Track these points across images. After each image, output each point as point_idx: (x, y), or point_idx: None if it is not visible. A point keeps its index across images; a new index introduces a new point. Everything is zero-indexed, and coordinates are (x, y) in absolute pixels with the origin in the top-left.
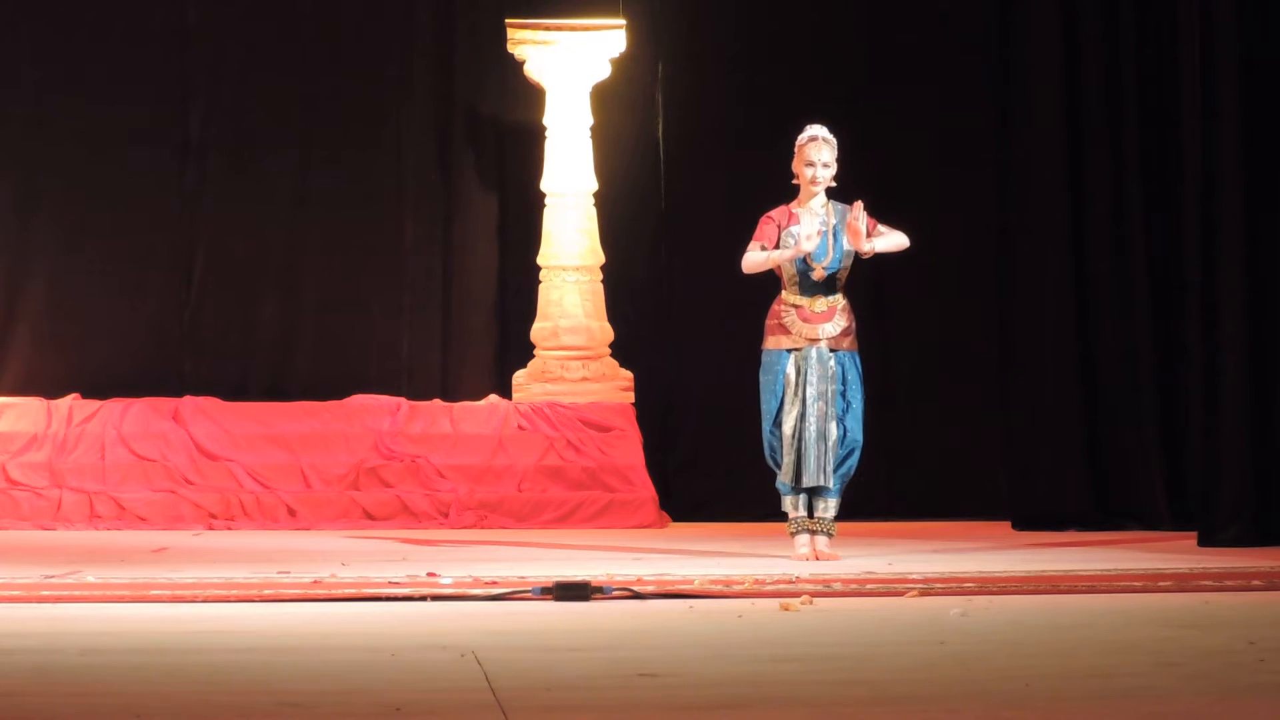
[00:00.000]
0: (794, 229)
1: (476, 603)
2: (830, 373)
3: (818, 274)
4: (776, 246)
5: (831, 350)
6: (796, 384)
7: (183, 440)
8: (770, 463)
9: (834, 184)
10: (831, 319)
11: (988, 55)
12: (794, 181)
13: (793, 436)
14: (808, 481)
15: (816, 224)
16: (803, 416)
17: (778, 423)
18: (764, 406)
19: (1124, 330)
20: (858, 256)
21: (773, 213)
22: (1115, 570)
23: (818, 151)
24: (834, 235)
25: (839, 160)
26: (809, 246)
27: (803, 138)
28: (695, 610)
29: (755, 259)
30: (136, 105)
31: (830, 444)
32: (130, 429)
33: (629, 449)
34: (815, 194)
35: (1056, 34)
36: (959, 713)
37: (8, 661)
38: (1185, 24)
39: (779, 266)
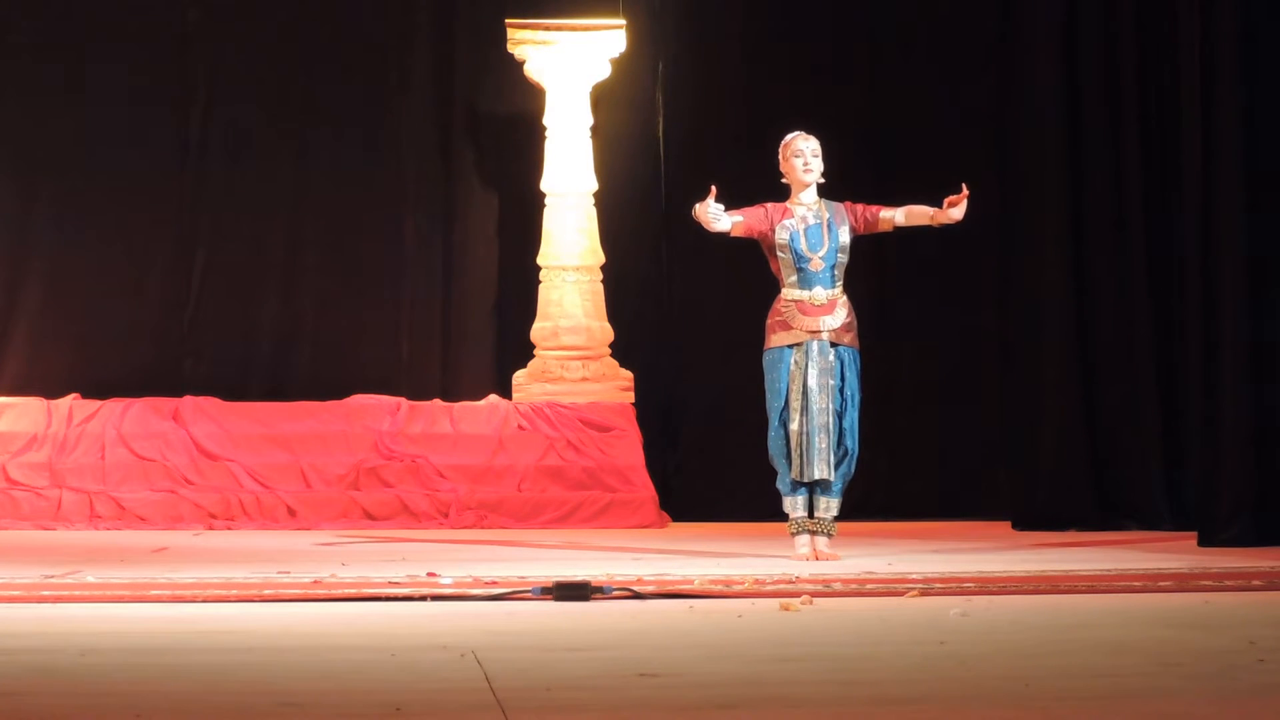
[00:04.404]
0: (787, 222)
1: (476, 603)
2: (830, 366)
3: (815, 264)
4: (755, 235)
5: (832, 344)
6: (800, 379)
7: (183, 440)
8: (773, 463)
9: (823, 180)
10: (832, 311)
11: (988, 55)
12: (783, 180)
13: (799, 434)
14: (812, 475)
15: (810, 216)
16: (805, 410)
17: (783, 422)
18: (769, 406)
19: (1124, 330)
20: (854, 251)
21: (769, 204)
22: (1115, 570)
23: (806, 142)
24: (828, 227)
25: (825, 161)
26: (716, 225)
27: (787, 137)
28: (695, 610)
29: (707, 213)
30: (136, 105)
31: (832, 437)
32: (130, 429)
33: (629, 449)
34: (807, 184)
35: (1057, 34)
36: (959, 713)
37: (8, 661)
38: (1185, 22)
39: (777, 267)
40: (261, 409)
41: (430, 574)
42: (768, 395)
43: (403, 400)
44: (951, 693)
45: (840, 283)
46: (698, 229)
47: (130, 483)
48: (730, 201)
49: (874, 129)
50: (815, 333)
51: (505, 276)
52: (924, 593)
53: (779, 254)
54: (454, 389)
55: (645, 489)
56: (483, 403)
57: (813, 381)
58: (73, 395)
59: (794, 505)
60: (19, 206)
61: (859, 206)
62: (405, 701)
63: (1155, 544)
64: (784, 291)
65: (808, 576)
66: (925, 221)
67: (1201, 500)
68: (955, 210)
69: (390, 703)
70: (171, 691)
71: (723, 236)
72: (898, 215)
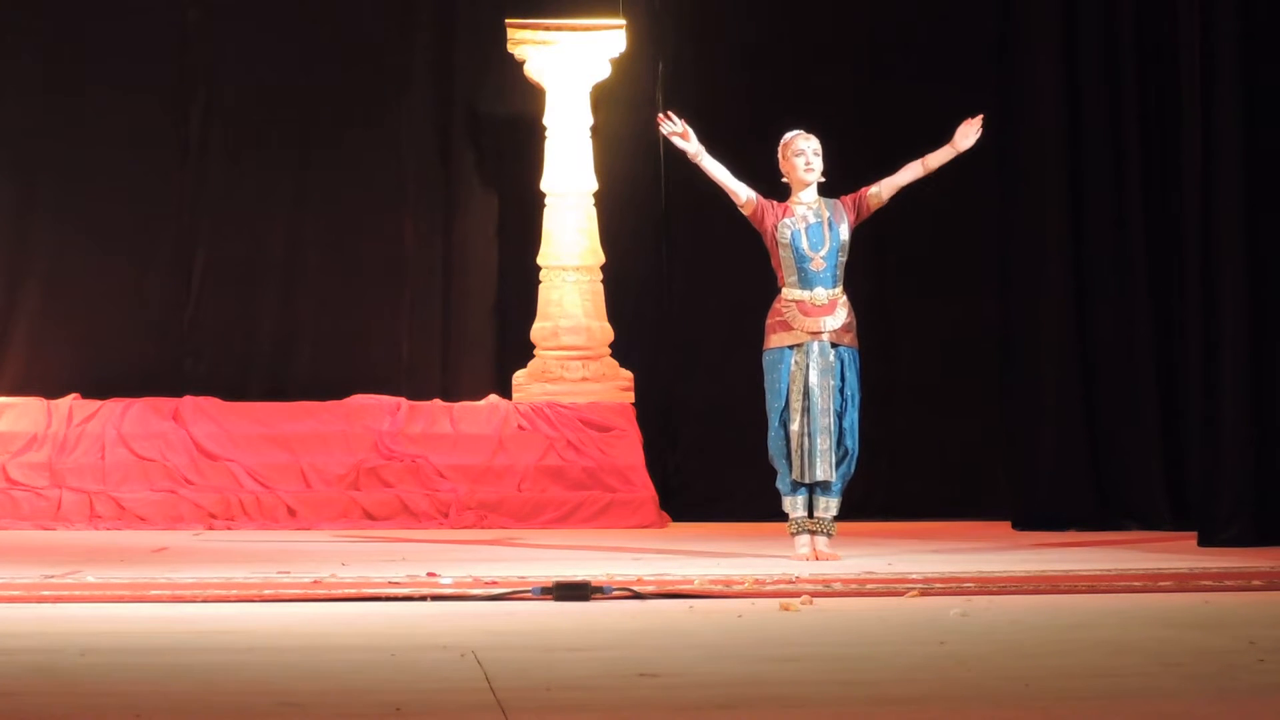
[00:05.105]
0: (788, 220)
1: (476, 603)
2: (830, 366)
3: (816, 264)
4: (758, 224)
5: (832, 345)
6: (800, 380)
7: (183, 440)
8: (773, 463)
9: (823, 179)
10: (833, 312)
11: (989, 54)
12: (784, 180)
13: (799, 435)
14: (813, 476)
15: (811, 215)
16: (807, 411)
17: (783, 422)
18: (769, 407)
19: (1124, 330)
20: (853, 250)
21: (773, 200)
22: (1115, 570)
23: (806, 141)
24: (829, 226)
25: (825, 160)
26: (718, 174)
27: (787, 136)
28: (695, 610)
29: (722, 181)
30: (136, 105)
31: (832, 439)
32: (130, 429)
33: (629, 449)
34: (808, 184)
35: (1056, 34)
36: (959, 713)
37: (8, 661)
38: (1185, 22)
39: (778, 262)
40: (261, 409)
41: (430, 574)
42: (768, 395)
43: (403, 400)
44: (951, 693)
45: (841, 283)
46: (697, 229)
47: (130, 483)
48: (729, 200)
49: (874, 129)
50: (816, 334)
51: (505, 276)
52: (924, 593)
53: (780, 252)
54: (454, 389)
55: (645, 489)
56: (483, 403)
57: (814, 382)
58: (73, 395)
59: (794, 505)
60: (19, 206)
61: (850, 197)
62: (405, 701)
63: (1155, 544)
64: (784, 291)
65: (808, 576)
66: (921, 172)
67: (1201, 500)
68: (966, 140)
69: (390, 703)
70: (171, 691)
71: (732, 202)
72: (884, 189)
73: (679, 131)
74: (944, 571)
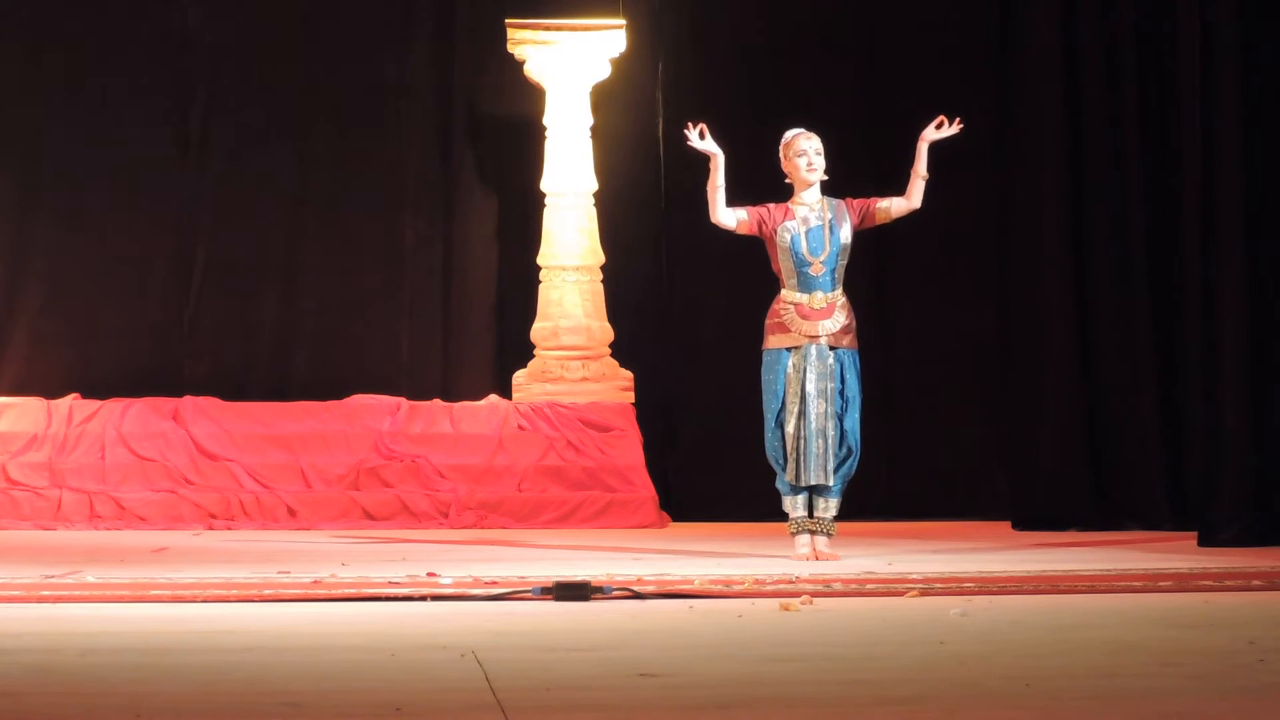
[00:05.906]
0: (789, 224)
1: (476, 603)
2: (829, 370)
3: (815, 268)
4: (759, 233)
5: (831, 348)
6: (797, 383)
7: (183, 440)
8: (772, 463)
9: (826, 177)
10: (831, 315)
11: (988, 55)
12: (786, 180)
13: (795, 436)
14: (808, 480)
15: (813, 217)
16: (803, 414)
17: (779, 423)
18: (765, 406)
19: (1124, 331)
20: (854, 251)
21: (771, 204)
22: (1115, 570)
23: (808, 141)
24: (830, 229)
25: (828, 159)
26: (719, 202)
27: (788, 135)
28: (695, 610)
29: (715, 199)
30: (136, 105)
31: (830, 441)
32: (130, 429)
33: (629, 449)
34: (811, 184)
35: (1056, 34)
36: (959, 713)
37: (8, 661)
38: (1185, 22)
39: (778, 266)
40: (261, 409)
41: (430, 574)
42: (764, 396)
43: (403, 400)
44: (951, 693)
45: (840, 285)
46: (697, 229)
47: (130, 483)
48: (729, 200)
49: (874, 128)
50: (814, 337)
51: (505, 276)
52: (924, 593)
53: (780, 256)
54: (454, 389)
55: (645, 489)
56: (483, 403)
57: (810, 387)
58: (73, 395)
59: (794, 505)
60: (19, 206)
61: (858, 201)
62: (405, 701)
63: (1155, 544)
64: (784, 293)
65: (808, 576)
66: (921, 184)
67: (1201, 500)
68: (934, 132)
69: (390, 703)
70: (171, 691)
71: (723, 231)
72: (894, 207)
73: (699, 134)
74: (944, 571)
